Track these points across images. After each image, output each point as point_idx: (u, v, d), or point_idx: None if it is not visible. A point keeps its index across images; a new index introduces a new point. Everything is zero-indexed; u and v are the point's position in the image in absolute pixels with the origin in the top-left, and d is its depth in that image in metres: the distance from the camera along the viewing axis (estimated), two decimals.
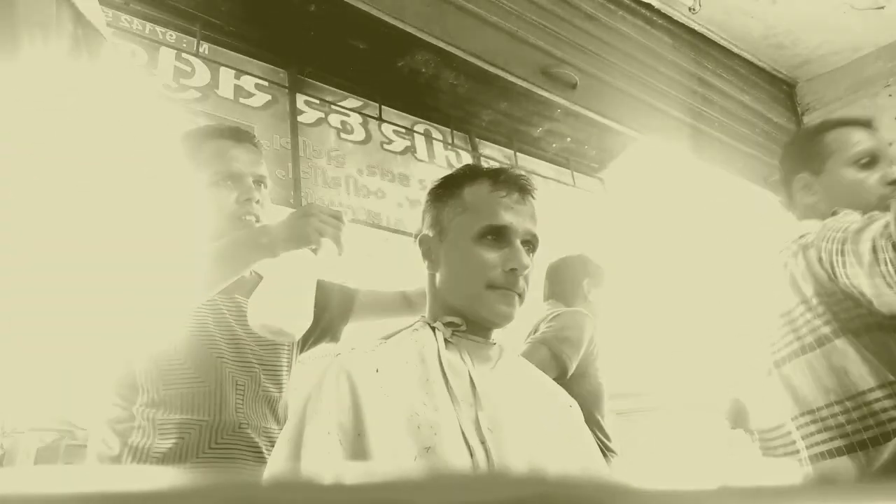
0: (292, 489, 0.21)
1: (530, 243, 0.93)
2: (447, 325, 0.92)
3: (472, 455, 0.80)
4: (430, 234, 0.96)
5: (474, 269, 0.90)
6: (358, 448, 0.77)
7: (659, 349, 3.17)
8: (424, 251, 0.97)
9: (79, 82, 1.08)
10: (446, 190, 0.97)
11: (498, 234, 0.90)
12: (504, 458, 0.81)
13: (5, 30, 0.99)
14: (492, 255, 0.89)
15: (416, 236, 1.00)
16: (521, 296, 0.92)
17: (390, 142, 2.27)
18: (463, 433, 0.81)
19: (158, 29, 1.87)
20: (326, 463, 0.77)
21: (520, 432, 0.85)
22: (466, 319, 0.92)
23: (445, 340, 0.91)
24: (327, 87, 2.19)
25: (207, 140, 1.20)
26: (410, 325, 0.97)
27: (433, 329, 0.93)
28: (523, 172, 0.98)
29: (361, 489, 0.21)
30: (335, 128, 2.15)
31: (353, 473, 0.21)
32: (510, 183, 0.94)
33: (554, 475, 0.20)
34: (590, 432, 0.98)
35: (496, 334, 0.97)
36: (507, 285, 0.89)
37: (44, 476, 0.19)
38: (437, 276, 0.95)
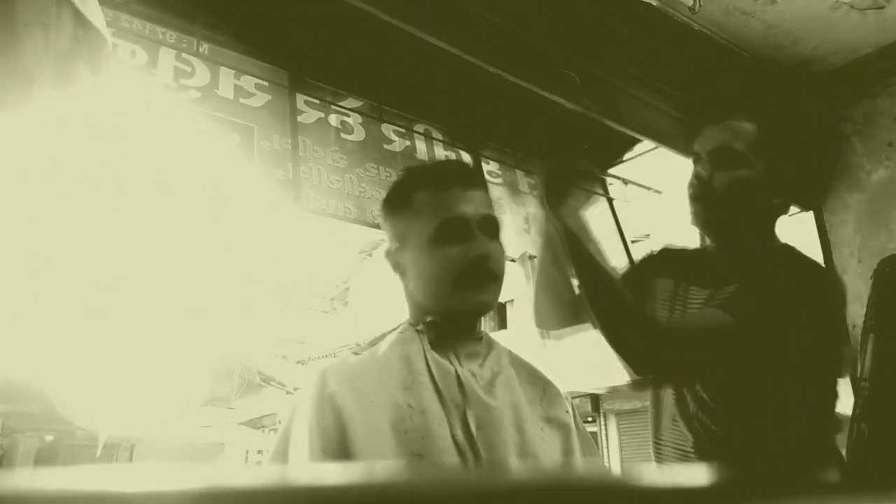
0: (282, 492, 0.21)
1: (489, 227, 0.92)
2: (430, 325, 0.92)
3: (461, 456, 0.79)
4: (394, 247, 0.96)
5: (440, 267, 0.89)
6: (344, 456, 0.76)
7: None
8: (393, 264, 0.97)
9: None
10: (396, 201, 0.98)
11: (454, 227, 0.90)
12: (494, 457, 0.81)
13: (5, 30, 0.99)
14: (453, 250, 0.89)
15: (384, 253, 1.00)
16: (496, 279, 0.91)
17: (390, 142, 2.27)
18: (452, 435, 0.81)
19: (158, 29, 1.87)
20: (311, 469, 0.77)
21: (509, 429, 0.85)
22: (447, 318, 0.92)
23: (431, 342, 0.91)
24: (327, 87, 2.19)
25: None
26: (395, 329, 0.97)
27: (418, 332, 0.92)
28: (464, 160, 0.98)
29: (350, 490, 0.21)
30: (335, 128, 2.15)
31: (339, 474, 0.21)
32: (452, 175, 0.94)
33: (541, 473, 0.20)
34: (581, 422, 0.98)
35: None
36: (477, 272, 0.89)
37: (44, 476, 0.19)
38: (410, 284, 0.95)
